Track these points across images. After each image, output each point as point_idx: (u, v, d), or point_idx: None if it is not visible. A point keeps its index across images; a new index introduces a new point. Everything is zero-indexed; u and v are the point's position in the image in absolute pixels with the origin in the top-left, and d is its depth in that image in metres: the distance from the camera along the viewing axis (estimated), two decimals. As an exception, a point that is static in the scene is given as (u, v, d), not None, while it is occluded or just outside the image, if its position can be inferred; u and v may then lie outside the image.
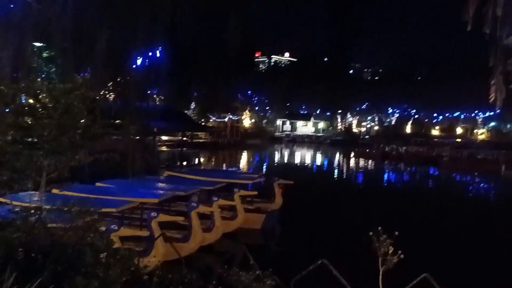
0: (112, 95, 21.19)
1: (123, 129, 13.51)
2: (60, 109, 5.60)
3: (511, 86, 4.82)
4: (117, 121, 13.47)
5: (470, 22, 4.81)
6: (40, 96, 6.08)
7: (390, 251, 4.32)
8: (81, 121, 5.81)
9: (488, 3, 4.66)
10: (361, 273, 5.04)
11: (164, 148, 37.81)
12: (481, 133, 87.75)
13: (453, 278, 9.64)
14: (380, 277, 4.49)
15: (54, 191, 8.63)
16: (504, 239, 16.65)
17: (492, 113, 71.26)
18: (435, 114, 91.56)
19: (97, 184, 15.95)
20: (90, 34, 12.40)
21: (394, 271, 4.43)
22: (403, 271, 4.85)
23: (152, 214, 12.22)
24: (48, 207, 6.22)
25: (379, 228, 4.45)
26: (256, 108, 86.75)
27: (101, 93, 14.49)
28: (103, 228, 5.48)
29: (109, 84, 19.57)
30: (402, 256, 4.38)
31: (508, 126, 76.28)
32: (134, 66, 16.87)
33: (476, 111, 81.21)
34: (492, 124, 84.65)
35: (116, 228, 10.97)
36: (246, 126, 79.89)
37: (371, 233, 4.43)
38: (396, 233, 4.51)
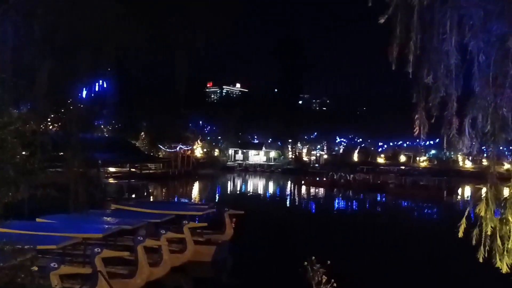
0: (56, 127, 20.53)
1: (65, 162, 13.07)
2: (-7, 145, 5.41)
3: (432, 121, 5.24)
4: (58, 154, 13.05)
5: (394, 63, 5.22)
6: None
7: (324, 280, 4.47)
8: (16, 156, 5.63)
9: (408, 45, 5.09)
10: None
11: (111, 180, 36.71)
12: (423, 161, 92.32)
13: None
14: (315, 306, 4.61)
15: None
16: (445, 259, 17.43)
17: (432, 142, 75.27)
18: (380, 143, 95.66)
19: (37, 219, 15.24)
20: (31, 65, 12.09)
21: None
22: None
23: (96, 249, 11.80)
24: (-23, 247, 5.88)
25: (313, 257, 4.61)
26: (208, 138, 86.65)
27: (42, 126, 14.02)
28: (36, 268, 5.25)
29: (52, 116, 18.98)
30: (335, 284, 4.55)
31: (448, 154, 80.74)
32: (79, 97, 16.52)
33: (417, 140, 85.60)
34: (433, 152, 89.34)
35: (55, 266, 10.48)
36: (198, 156, 79.34)
37: (305, 263, 4.57)
38: (329, 262, 4.69)
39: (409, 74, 5.66)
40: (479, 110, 4.34)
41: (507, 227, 3.83)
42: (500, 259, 3.85)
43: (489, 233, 3.88)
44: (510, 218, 3.80)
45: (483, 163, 4.87)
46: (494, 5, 4.30)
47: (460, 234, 4.02)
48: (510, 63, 4.05)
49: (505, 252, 3.83)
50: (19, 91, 7.29)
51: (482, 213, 3.92)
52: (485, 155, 4.67)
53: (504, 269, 3.86)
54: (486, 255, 3.98)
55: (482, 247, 3.95)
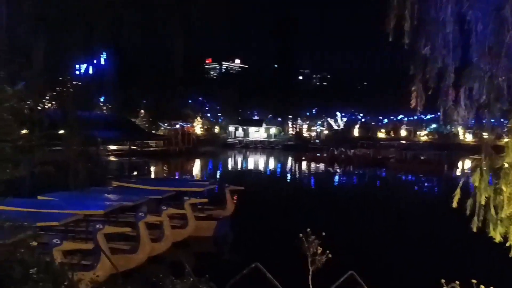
0: (54, 105, 20.45)
1: (64, 140, 13.07)
2: (-12, 122, 5.40)
3: (429, 92, 5.21)
4: (57, 132, 13.05)
5: (391, 34, 5.15)
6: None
7: (319, 251, 4.54)
8: (13, 133, 5.62)
9: (405, 16, 5.02)
10: (294, 274, 5.24)
11: (112, 158, 36.82)
12: (424, 135, 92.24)
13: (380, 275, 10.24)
14: (310, 276, 4.69)
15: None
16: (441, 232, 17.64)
17: (432, 116, 75.01)
18: (380, 118, 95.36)
19: (39, 197, 15.35)
20: (27, 42, 11.97)
21: (324, 270, 4.68)
22: (333, 270, 5.11)
23: (97, 226, 11.94)
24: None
25: (308, 229, 4.66)
26: (208, 114, 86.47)
27: (39, 103, 13.97)
28: (35, 244, 5.32)
29: (49, 94, 18.87)
30: (330, 255, 4.62)
31: (448, 127, 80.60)
32: (76, 74, 16.41)
33: (417, 114, 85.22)
34: (433, 126, 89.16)
35: (58, 242, 10.62)
36: (198, 133, 79.36)
37: (301, 235, 4.62)
38: (323, 233, 4.74)
39: (405, 45, 5.59)
40: (475, 80, 4.30)
41: (501, 197, 3.86)
42: (493, 229, 3.89)
43: (483, 203, 3.90)
44: (504, 187, 3.82)
45: (483, 136, 4.88)
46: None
47: (454, 205, 4.04)
48: (506, 32, 3.99)
49: (498, 222, 3.87)
50: (14, 68, 7.22)
51: (476, 183, 3.94)
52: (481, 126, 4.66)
53: (498, 238, 3.91)
54: (480, 225, 4.02)
55: (476, 217, 3.98)
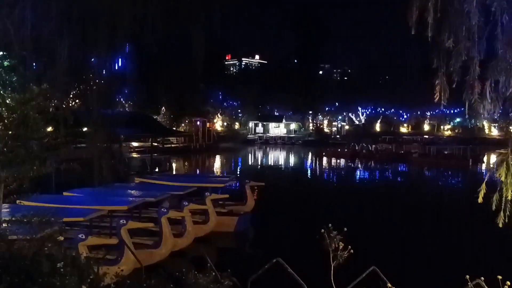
0: (78, 103, 20.88)
1: (88, 137, 13.35)
2: (16, 120, 5.55)
3: (454, 86, 5.11)
4: (81, 129, 13.33)
5: (414, 27, 5.07)
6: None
7: (341, 247, 4.52)
8: (39, 131, 5.77)
9: (428, 8, 4.92)
10: (316, 269, 5.23)
11: (134, 155, 37.37)
12: (448, 129, 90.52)
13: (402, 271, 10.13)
14: (332, 271, 4.68)
15: (19, 202, 8.51)
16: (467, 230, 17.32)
17: (456, 110, 73.46)
18: (403, 112, 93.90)
19: (64, 193, 15.70)
20: (52, 42, 12.24)
21: (346, 266, 4.65)
22: (355, 265, 5.07)
23: (121, 221, 12.13)
24: (7, 218, 6.15)
25: (330, 225, 4.64)
26: (228, 111, 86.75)
27: (64, 102, 14.28)
28: (62, 238, 5.46)
29: (73, 92, 19.25)
30: (352, 251, 4.60)
31: (473, 121, 78.91)
32: (99, 73, 16.70)
33: (441, 108, 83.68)
34: (458, 120, 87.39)
35: (83, 237, 10.85)
36: (218, 129, 79.76)
37: (322, 230, 4.61)
38: (345, 229, 4.72)
39: (429, 38, 5.48)
40: (500, 73, 4.20)
41: (528, 192, 3.76)
42: (520, 224, 3.80)
43: (509, 198, 3.82)
44: (531, 182, 3.73)
45: (510, 129, 4.74)
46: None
47: (480, 200, 3.97)
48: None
49: (525, 217, 3.78)
50: (39, 68, 7.40)
51: (503, 178, 3.85)
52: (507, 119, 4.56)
53: (524, 234, 3.82)
54: (506, 220, 3.93)
55: (502, 212, 3.89)
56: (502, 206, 3.88)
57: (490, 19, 5.14)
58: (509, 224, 3.89)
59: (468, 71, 5.12)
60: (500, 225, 3.94)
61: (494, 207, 3.93)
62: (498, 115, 4.28)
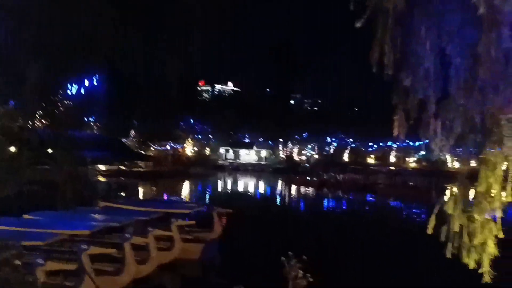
0: (44, 124, 20.46)
1: (53, 159, 13.09)
2: (-21, 141, 5.45)
3: (411, 122, 5.42)
4: (47, 151, 13.08)
5: (374, 65, 5.40)
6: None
7: (299, 275, 4.62)
8: (2, 152, 5.68)
9: (387, 49, 5.27)
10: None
11: (101, 178, 36.61)
12: (413, 161, 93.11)
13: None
14: (291, 299, 4.76)
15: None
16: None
17: (421, 143, 75.81)
18: (370, 143, 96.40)
19: (25, 216, 15.20)
20: (20, 63, 12.11)
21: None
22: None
23: (82, 246, 11.83)
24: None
25: (289, 253, 4.75)
26: (199, 136, 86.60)
27: (30, 122, 14.02)
28: (19, 263, 5.31)
29: (40, 113, 18.90)
30: (310, 279, 4.70)
31: (436, 154, 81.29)
32: (68, 95, 16.54)
33: (406, 141, 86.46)
34: (422, 153, 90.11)
35: (42, 262, 10.49)
36: (188, 154, 79.24)
37: (282, 258, 4.71)
38: (304, 257, 4.83)
39: (388, 77, 5.81)
40: (451, 112, 4.52)
41: (474, 225, 4.01)
42: (467, 255, 4.03)
43: (456, 230, 4.05)
44: (476, 215, 3.98)
45: (470, 164, 5.08)
46: (466, 12, 4.48)
47: (429, 231, 4.18)
48: (478, 67, 4.23)
49: (471, 249, 4.01)
50: (6, 88, 7.32)
51: (450, 211, 4.10)
52: (471, 156, 4.86)
53: (471, 264, 4.04)
54: (454, 251, 4.15)
55: (450, 244, 4.12)
56: (451, 238, 4.11)
57: (445, 61, 5.52)
58: (457, 255, 4.11)
59: (424, 108, 5.45)
60: (449, 256, 4.15)
61: (443, 239, 4.16)
62: (447, 151, 4.58)
